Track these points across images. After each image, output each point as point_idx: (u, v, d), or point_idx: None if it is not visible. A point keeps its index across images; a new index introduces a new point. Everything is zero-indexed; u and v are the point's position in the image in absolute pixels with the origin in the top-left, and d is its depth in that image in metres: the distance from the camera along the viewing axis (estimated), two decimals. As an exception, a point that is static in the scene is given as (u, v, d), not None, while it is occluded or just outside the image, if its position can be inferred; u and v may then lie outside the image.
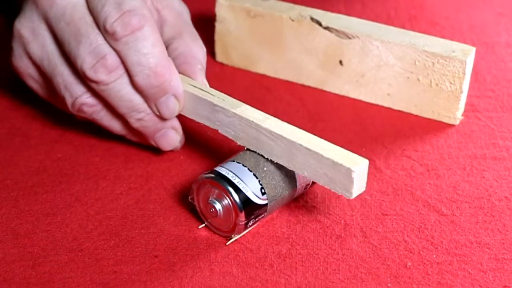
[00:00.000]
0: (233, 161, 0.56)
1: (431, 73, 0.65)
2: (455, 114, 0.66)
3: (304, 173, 0.54)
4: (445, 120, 0.67)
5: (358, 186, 0.53)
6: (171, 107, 0.58)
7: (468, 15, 0.79)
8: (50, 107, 0.68)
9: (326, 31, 0.67)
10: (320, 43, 0.68)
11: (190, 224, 0.58)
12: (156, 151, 0.63)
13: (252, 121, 0.56)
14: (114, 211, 0.59)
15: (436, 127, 0.66)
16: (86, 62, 0.56)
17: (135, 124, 0.59)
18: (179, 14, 0.62)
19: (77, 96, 0.59)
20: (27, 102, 0.69)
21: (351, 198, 0.53)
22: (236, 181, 0.54)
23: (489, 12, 0.80)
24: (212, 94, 0.58)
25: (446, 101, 0.66)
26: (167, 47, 0.60)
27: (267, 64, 0.72)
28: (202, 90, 0.59)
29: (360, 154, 0.63)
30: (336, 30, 0.67)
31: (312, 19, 0.68)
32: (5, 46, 0.63)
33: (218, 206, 0.55)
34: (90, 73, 0.56)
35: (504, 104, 0.69)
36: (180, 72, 0.59)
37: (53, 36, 0.58)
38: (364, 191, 0.60)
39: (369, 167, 0.62)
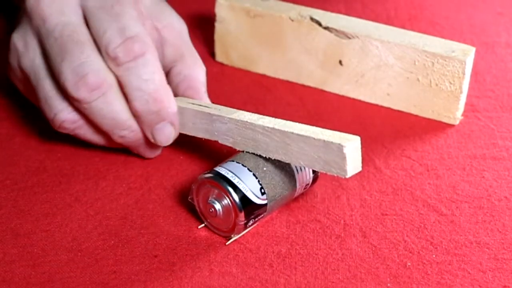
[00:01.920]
0: (233, 161, 0.56)
1: (431, 73, 0.65)
2: (455, 114, 0.66)
3: (300, 163, 0.54)
4: (445, 120, 0.67)
5: (353, 164, 0.52)
6: (167, 134, 0.59)
7: (468, 15, 0.79)
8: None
9: (326, 31, 0.67)
10: (320, 43, 0.68)
11: (190, 224, 0.58)
12: (156, 151, 0.63)
13: (247, 122, 0.56)
14: (113, 211, 0.59)
15: (436, 127, 0.66)
16: (68, 79, 0.56)
17: (118, 140, 0.60)
18: (179, 33, 0.62)
19: (57, 111, 0.59)
20: (27, 102, 0.69)
21: (346, 176, 0.52)
22: (235, 181, 0.54)
23: (489, 12, 0.80)
24: (208, 107, 0.59)
25: (446, 101, 0.66)
26: (170, 70, 0.61)
27: (267, 64, 0.72)
28: (200, 105, 0.59)
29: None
30: (336, 30, 0.67)
31: (312, 19, 0.68)
32: (5, 48, 0.63)
33: (217, 206, 0.55)
34: (71, 91, 0.56)
35: (504, 104, 0.69)
36: (186, 97, 0.60)
37: (43, 51, 0.59)
38: (364, 191, 0.60)
39: (369, 167, 0.62)
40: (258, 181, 0.55)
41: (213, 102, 0.69)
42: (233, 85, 0.71)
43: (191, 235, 0.57)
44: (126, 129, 0.59)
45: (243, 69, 0.73)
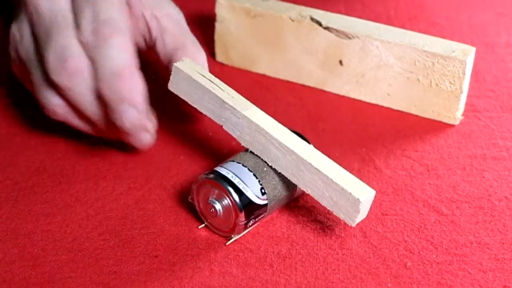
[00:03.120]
0: (233, 161, 0.56)
1: (431, 73, 0.65)
2: (455, 114, 0.66)
3: (308, 191, 0.54)
4: (445, 120, 0.67)
5: (362, 215, 0.53)
6: (130, 118, 0.56)
7: (468, 15, 0.79)
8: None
9: (326, 31, 0.67)
10: (320, 43, 0.68)
11: (190, 224, 0.58)
12: (156, 151, 0.63)
13: (263, 129, 0.55)
14: (114, 211, 0.59)
15: (436, 127, 0.66)
16: (50, 64, 0.56)
17: (104, 128, 0.59)
18: (177, 22, 0.63)
19: (48, 98, 0.59)
20: (27, 102, 0.69)
21: (353, 226, 0.54)
22: (236, 181, 0.54)
23: (489, 12, 0.80)
24: (221, 89, 0.58)
25: (446, 101, 0.66)
26: (171, 58, 0.61)
27: (267, 64, 0.72)
28: (212, 82, 0.58)
29: (360, 154, 0.63)
30: (336, 30, 0.67)
31: (312, 19, 0.68)
32: (5, 47, 0.63)
33: (218, 206, 0.55)
34: (54, 77, 0.56)
35: (504, 104, 0.69)
36: None
37: (34, 39, 0.59)
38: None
39: (369, 167, 0.62)
40: (259, 181, 0.55)
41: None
42: (233, 85, 0.71)
43: (191, 235, 0.57)
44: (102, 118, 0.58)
45: (243, 69, 0.73)
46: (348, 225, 0.57)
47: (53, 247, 0.56)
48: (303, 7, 0.69)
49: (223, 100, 0.57)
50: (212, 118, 0.58)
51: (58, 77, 0.56)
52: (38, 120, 0.67)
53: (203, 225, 0.57)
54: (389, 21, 0.77)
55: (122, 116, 0.56)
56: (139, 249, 0.56)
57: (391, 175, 0.62)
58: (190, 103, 0.59)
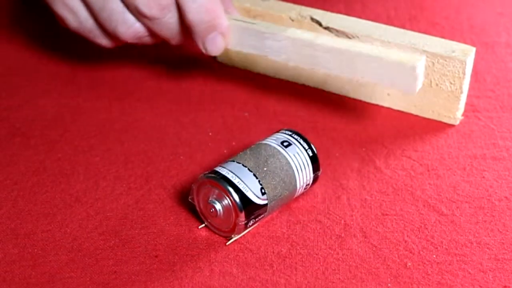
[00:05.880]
0: (233, 161, 0.56)
1: (431, 73, 0.65)
2: (455, 114, 0.66)
3: (364, 78, 0.60)
4: (445, 120, 0.67)
5: (420, 81, 0.60)
6: (217, 44, 0.64)
7: (468, 15, 0.79)
8: (50, 107, 0.68)
9: (326, 31, 0.67)
10: (320, 43, 0.68)
11: (190, 224, 0.58)
12: (156, 151, 0.63)
13: (307, 41, 0.61)
14: (114, 211, 0.59)
15: (436, 127, 0.66)
16: (141, 1, 0.62)
17: (177, 43, 0.66)
18: None
19: (131, 24, 0.64)
20: (27, 102, 0.69)
21: (414, 94, 0.60)
22: (236, 181, 0.54)
23: (489, 12, 0.80)
24: (256, 23, 0.63)
25: (446, 101, 0.66)
26: None
27: (267, 64, 0.72)
28: (246, 22, 0.64)
29: (360, 154, 0.63)
30: (336, 30, 0.67)
31: (312, 19, 0.68)
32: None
33: (218, 206, 0.55)
34: (145, 10, 0.62)
35: (504, 104, 0.69)
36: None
37: None
38: (364, 191, 0.60)
39: (369, 167, 0.62)
40: (259, 181, 0.55)
41: (213, 102, 0.69)
42: (233, 85, 0.71)
43: (191, 235, 0.57)
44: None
45: (243, 69, 0.73)
46: (348, 225, 0.57)
47: (53, 247, 0.56)
48: (303, 7, 0.69)
49: (261, 31, 0.63)
50: (256, 52, 0.64)
51: (150, 11, 0.62)
52: (38, 120, 0.67)
53: (203, 225, 0.57)
54: (389, 21, 0.77)
55: (210, 43, 0.64)
56: (139, 249, 0.56)
57: (391, 175, 0.62)
58: (232, 48, 0.65)
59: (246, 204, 0.54)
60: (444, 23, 0.78)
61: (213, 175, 0.55)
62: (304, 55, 0.61)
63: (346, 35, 0.67)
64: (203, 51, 0.64)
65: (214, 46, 0.64)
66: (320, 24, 0.67)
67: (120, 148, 0.64)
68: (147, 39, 0.66)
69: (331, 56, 0.61)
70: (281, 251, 0.56)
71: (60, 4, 0.65)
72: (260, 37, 0.63)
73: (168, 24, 0.64)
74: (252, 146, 0.58)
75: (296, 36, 0.61)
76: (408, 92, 0.60)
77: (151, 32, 0.65)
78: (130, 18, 0.64)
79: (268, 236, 0.57)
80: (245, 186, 0.54)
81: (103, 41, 0.67)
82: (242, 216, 0.54)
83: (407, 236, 0.57)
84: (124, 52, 0.72)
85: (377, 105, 0.69)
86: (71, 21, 0.66)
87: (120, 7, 0.63)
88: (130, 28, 0.64)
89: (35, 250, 0.56)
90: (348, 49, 0.60)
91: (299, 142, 0.58)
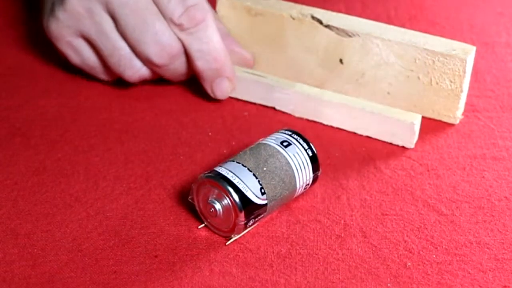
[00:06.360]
0: (233, 161, 0.56)
1: (431, 71, 0.65)
2: (455, 114, 0.66)
3: (365, 133, 0.65)
4: (445, 119, 0.67)
5: (417, 136, 0.64)
6: (224, 88, 0.67)
7: (468, 15, 0.79)
8: (50, 107, 0.68)
9: (327, 29, 0.67)
10: (321, 42, 0.68)
11: (190, 224, 0.58)
12: (156, 151, 0.63)
13: (313, 96, 0.65)
14: (114, 211, 0.59)
15: (436, 126, 0.66)
16: (152, 49, 0.64)
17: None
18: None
19: (138, 69, 0.66)
20: (27, 102, 0.69)
21: (411, 147, 0.64)
22: (236, 181, 0.54)
23: (489, 12, 0.80)
24: (265, 77, 0.67)
25: (446, 100, 0.66)
26: None
27: (267, 63, 0.72)
28: (255, 74, 0.67)
29: (360, 154, 0.63)
30: (337, 28, 0.67)
31: (313, 17, 0.68)
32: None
33: (217, 206, 0.55)
34: (155, 58, 0.64)
35: (504, 104, 0.69)
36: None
37: (111, 18, 0.64)
38: (364, 191, 0.60)
39: (369, 167, 0.62)
40: (258, 181, 0.55)
41: (213, 102, 0.69)
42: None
43: (191, 235, 0.57)
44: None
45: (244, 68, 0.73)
46: (348, 225, 0.57)
47: (53, 247, 0.56)
48: (304, 6, 0.69)
49: (270, 85, 0.67)
50: (264, 103, 0.68)
51: (160, 59, 0.65)
52: (38, 120, 0.67)
53: (203, 225, 0.57)
54: (389, 21, 0.77)
55: (217, 87, 0.67)
56: (139, 249, 0.56)
57: (391, 175, 0.62)
58: (242, 99, 0.68)
59: (246, 204, 0.54)
60: (444, 23, 0.78)
61: (212, 175, 0.55)
62: (310, 108, 0.66)
63: (347, 33, 0.67)
64: (211, 95, 0.67)
65: (220, 90, 0.67)
66: (321, 23, 0.67)
67: (120, 148, 0.64)
68: (150, 78, 0.68)
69: (336, 111, 0.65)
70: (281, 251, 0.56)
71: (64, 43, 0.67)
72: (269, 90, 0.67)
73: (175, 70, 0.66)
74: (252, 146, 0.58)
75: (303, 91, 0.66)
76: (406, 145, 0.64)
77: (156, 75, 0.68)
78: (138, 63, 0.66)
79: (268, 236, 0.57)
80: (244, 186, 0.54)
81: (104, 77, 0.69)
82: (241, 216, 0.54)
83: (407, 236, 0.57)
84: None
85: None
86: (74, 59, 0.68)
87: (128, 53, 0.65)
88: (137, 72, 0.66)
89: (35, 250, 0.56)
90: (352, 106, 0.64)
91: (299, 142, 0.58)
